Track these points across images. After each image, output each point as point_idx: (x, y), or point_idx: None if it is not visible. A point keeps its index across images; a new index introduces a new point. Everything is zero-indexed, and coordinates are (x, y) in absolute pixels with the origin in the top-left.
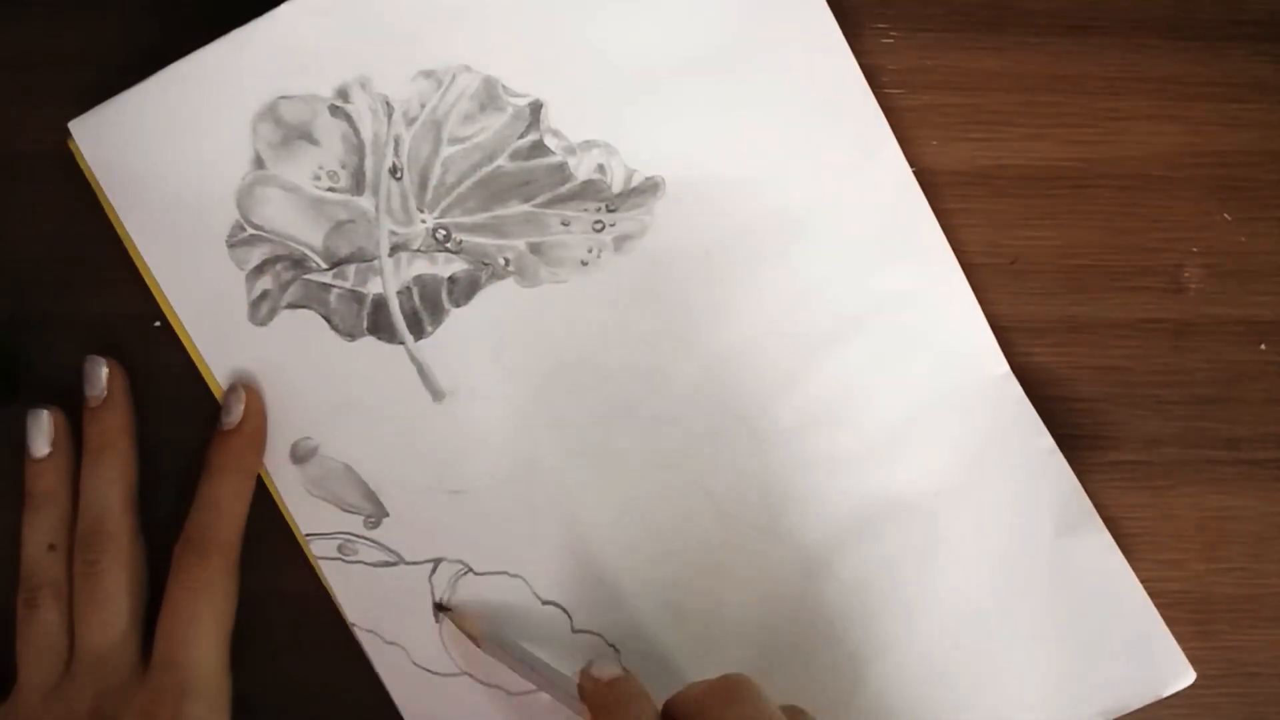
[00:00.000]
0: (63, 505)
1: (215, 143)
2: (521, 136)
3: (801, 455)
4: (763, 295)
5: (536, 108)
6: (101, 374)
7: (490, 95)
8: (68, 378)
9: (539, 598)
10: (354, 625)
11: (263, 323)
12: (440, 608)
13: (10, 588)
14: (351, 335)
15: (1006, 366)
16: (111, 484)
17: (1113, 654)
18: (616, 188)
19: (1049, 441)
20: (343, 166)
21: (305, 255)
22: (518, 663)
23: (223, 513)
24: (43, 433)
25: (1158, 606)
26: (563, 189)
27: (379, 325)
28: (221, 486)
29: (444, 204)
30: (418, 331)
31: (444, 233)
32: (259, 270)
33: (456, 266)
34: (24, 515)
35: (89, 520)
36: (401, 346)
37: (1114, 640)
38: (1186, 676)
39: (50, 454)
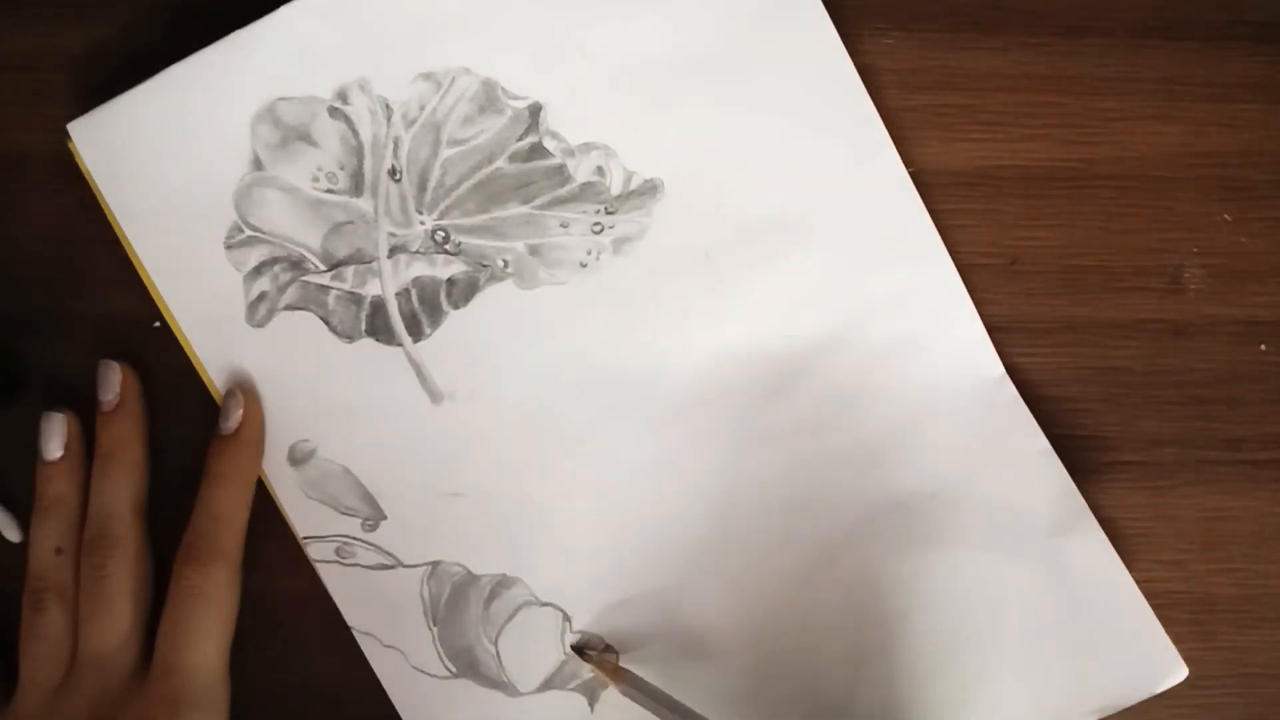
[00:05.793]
0: (72, 509)
1: (214, 144)
2: (520, 138)
3: (799, 457)
4: (760, 297)
5: (535, 110)
6: (115, 378)
7: (489, 97)
8: (68, 378)
9: (538, 599)
10: (353, 627)
11: (261, 324)
12: (578, 650)
13: (16, 589)
14: (350, 337)
15: (1002, 369)
16: (122, 489)
17: (1107, 651)
18: (615, 190)
19: (1044, 442)
20: (341, 168)
21: (303, 257)
22: (653, 702)
23: (223, 519)
24: (56, 436)
25: (1158, 607)
26: (562, 191)
27: (377, 327)
28: (221, 493)
29: (443, 206)
30: (416, 333)
31: (443, 234)
32: (257, 272)
33: (455, 268)
34: (33, 518)
35: (97, 524)
36: (400, 348)
37: (1108, 637)
38: (1179, 672)
39: (62, 457)
